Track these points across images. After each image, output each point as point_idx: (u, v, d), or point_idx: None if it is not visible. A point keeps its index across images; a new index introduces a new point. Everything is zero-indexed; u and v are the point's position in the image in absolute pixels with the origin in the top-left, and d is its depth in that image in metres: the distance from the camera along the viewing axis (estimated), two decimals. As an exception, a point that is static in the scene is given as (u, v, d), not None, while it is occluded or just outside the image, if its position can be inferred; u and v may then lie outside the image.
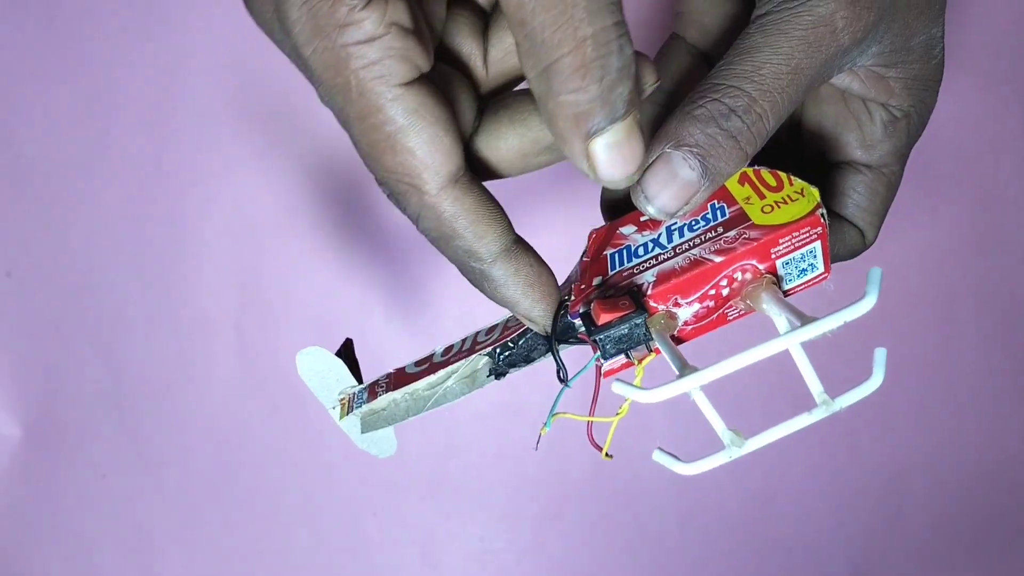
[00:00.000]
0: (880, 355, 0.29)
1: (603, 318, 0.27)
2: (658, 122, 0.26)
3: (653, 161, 0.25)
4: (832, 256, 0.32)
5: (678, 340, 0.30)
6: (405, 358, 0.57)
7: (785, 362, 0.46)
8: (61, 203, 0.55)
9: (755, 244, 0.27)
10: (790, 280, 0.29)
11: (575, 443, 0.58)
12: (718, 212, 0.28)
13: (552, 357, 0.30)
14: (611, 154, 0.22)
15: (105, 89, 0.54)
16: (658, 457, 0.30)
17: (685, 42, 0.33)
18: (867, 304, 0.26)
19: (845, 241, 0.33)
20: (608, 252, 0.30)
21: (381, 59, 0.21)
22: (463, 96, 0.25)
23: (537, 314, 0.27)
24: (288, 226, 0.55)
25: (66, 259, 0.55)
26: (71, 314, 0.55)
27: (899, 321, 0.58)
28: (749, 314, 0.29)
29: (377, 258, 0.56)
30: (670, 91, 0.33)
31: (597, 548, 0.58)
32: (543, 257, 0.27)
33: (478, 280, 0.26)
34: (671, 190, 0.25)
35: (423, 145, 0.22)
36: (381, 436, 0.35)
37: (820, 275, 0.29)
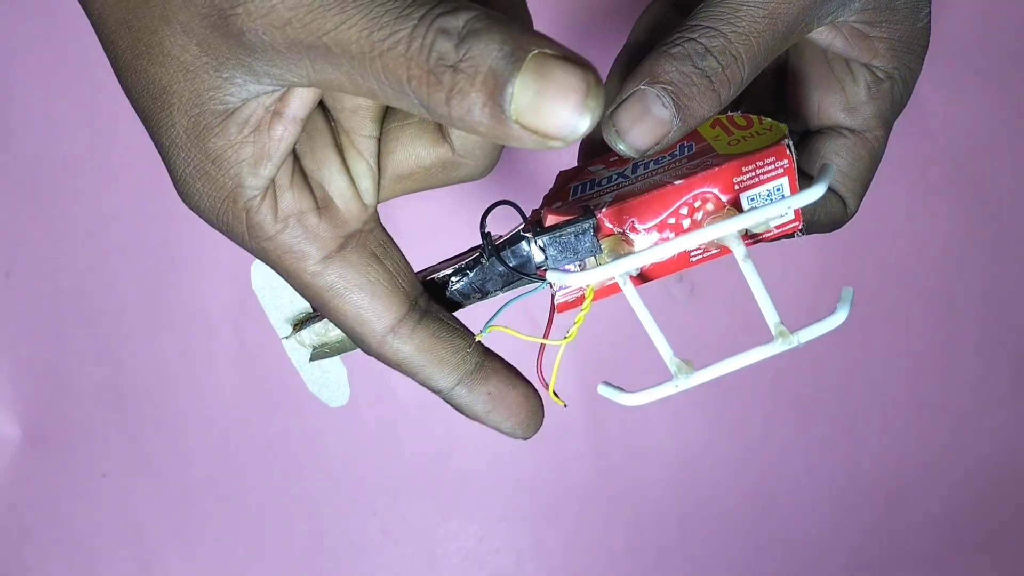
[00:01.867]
0: (847, 293, 0.27)
1: (550, 220, 0.26)
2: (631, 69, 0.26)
3: (627, 97, 0.25)
4: (812, 224, 0.31)
5: (643, 278, 0.28)
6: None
7: (785, 362, 0.46)
8: (61, 203, 0.55)
9: (716, 170, 0.25)
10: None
11: (575, 443, 0.59)
12: (685, 148, 0.28)
13: (504, 287, 0.29)
14: (542, 110, 0.19)
15: (105, 89, 0.54)
16: (603, 391, 0.28)
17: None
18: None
19: (826, 208, 0.32)
20: (572, 185, 0.29)
21: (290, 248, 0.23)
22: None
23: (508, 428, 0.27)
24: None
25: (66, 259, 0.55)
26: (71, 314, 0.55)
27: (898, 320, 0.58)
28: (713, 258, 0.28)
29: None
30: (644, 42, 0.32)
31: (597, 548, 0.58)
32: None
33: (450, 403, 0.27)
34: (643, 126, 0.25)
35: (351, 311, 0.24)
36: (333, 380, 0.33)
37: (790, 223, 0.27)
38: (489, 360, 0.27)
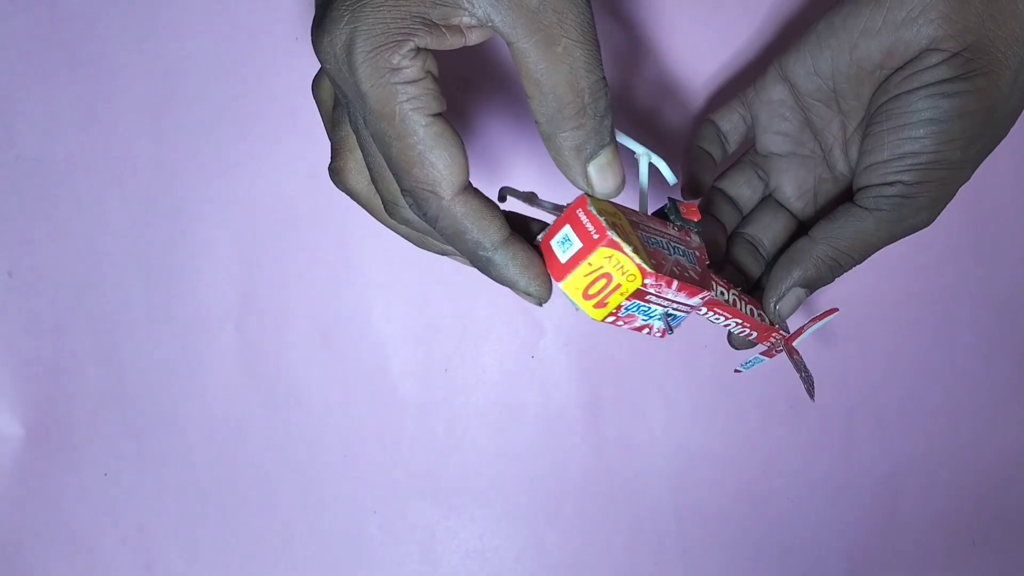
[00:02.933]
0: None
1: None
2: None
3: (787, 292, 0.42)
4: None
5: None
6: (405, 358, 0.57)
7: (785, 361, 0.46)
8: (62, 203, 0.55)
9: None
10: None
11: (575, 441, 0.59)
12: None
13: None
14: (603, 173, 0.31)
15: (105, 89, 0.54)
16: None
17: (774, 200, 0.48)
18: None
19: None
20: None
21: (419, 95, 0.29)
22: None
23: (534, 289, 0.33)
24: (288, 226, 0.55)
25: (67, 259, 0.55)
26: (72, 314, 0.56)
27: (895, 321, 0.59)
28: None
29: (377, 258, 0.56)
30: (702, 156, 0.46)
31: (596, 546, 0.59)
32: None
33: (485, 266, 0.32)
34: (792, 310, 0.42)
35: (443, 161, 0.30)
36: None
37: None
38: (517, 235, 0.33)
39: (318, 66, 0.33)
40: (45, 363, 0.56)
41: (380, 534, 0.58)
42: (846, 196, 0.43)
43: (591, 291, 0.32)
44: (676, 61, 0.55)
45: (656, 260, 0.33)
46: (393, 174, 0.30)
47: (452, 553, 0.58)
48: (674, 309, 0.35)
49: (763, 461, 0.59)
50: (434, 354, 0.57)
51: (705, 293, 0.35)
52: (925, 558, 0.60)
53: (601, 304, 0.33)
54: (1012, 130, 0.58)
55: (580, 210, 0.32)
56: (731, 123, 0.46)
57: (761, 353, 0.45)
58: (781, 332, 0.44)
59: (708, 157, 0.45)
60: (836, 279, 0.42)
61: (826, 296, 0.58)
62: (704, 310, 0.39)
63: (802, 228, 0.46)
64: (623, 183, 0.32)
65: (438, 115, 0.29)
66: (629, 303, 0.33)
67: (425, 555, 0.58)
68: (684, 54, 0.55)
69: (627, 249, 0.31)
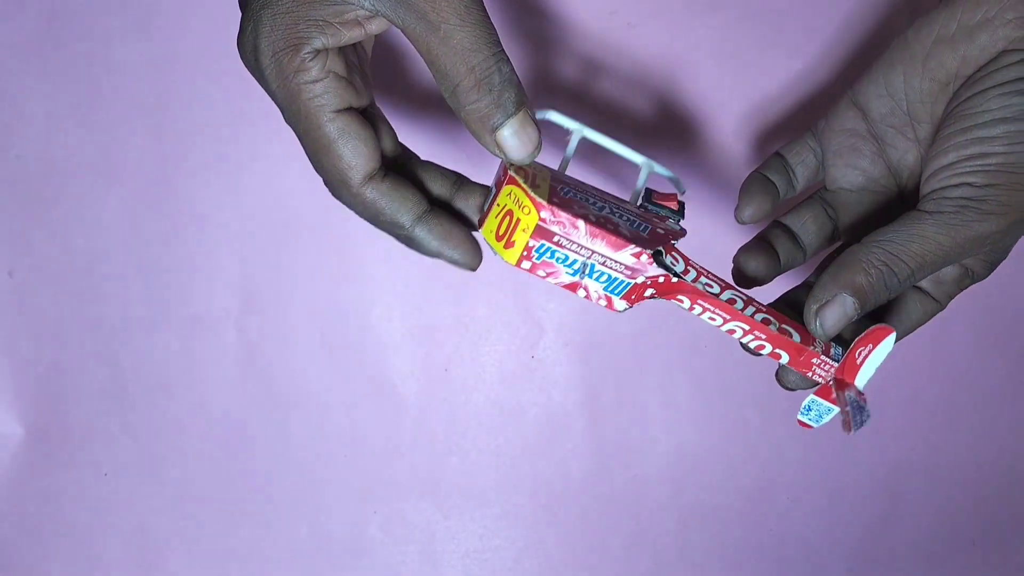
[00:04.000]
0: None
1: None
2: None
3: (831, 300, 0.36)
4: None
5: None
6: (405, 358, 0.57)
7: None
8: (62, 203, 0.55)
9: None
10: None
11: (574, 441, 0.59)
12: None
13: None
14: (512, 140, 0.32)
15: (105, 89, 0.54)
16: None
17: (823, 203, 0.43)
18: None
19: (859, 325, 0.40)
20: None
21: (322, 93, 0.31)
22: (383, 127, 0.36)
23: (458, 256, 0.35)
24: (288, 226, 0.55)
25: (67, 259, 0.55)
26: (73, 313, 0.56)
27: (897, 320, 0.59)
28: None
29: (377, 258, 0.56)
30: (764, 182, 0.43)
31: (596, 546, 0.59)
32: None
33: (407, 243, 0.35)
34: (838, 322, 0.36)
35: (348, 153, 0.32)
36: None
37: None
38: (437, 208, 0.35)
39: None
40: (45, 362, 0.56)
41: (380, 534, 0.58)
42: None
43: (500, 231, 0.34)
44: (727, 86, 0.54)
45: (566, 205, 0.33)
46: (310, 163, 0.34)
47: (452, 553, 0.58)
48: (601, 265, 0.33)
49: (763, 461, 0.59)
50: (434, 354, 0.57)
51: (637, 249, 0.33)
52: (925, 558, 0.60)
53: (509, 244, 0.33)
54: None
55: (505, 168, 0.34)
56: (799, 156, 0.42)
57: (816, 393, 0.39)
58: (822, 355, 0.37)
59: (770, 184, 0.42)
60: (891, 296, 0.36)
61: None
62: (688, 302, 0.36)
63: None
64: (535, 149, 0.32)
65: (344, 110, 0.32)
66: (537, 243, 0.33)
67: (425, 555, 0.58)
68: (738, 80, 0.53)
69: (524, 184, 0.32)
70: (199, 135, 0.55)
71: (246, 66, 0.33)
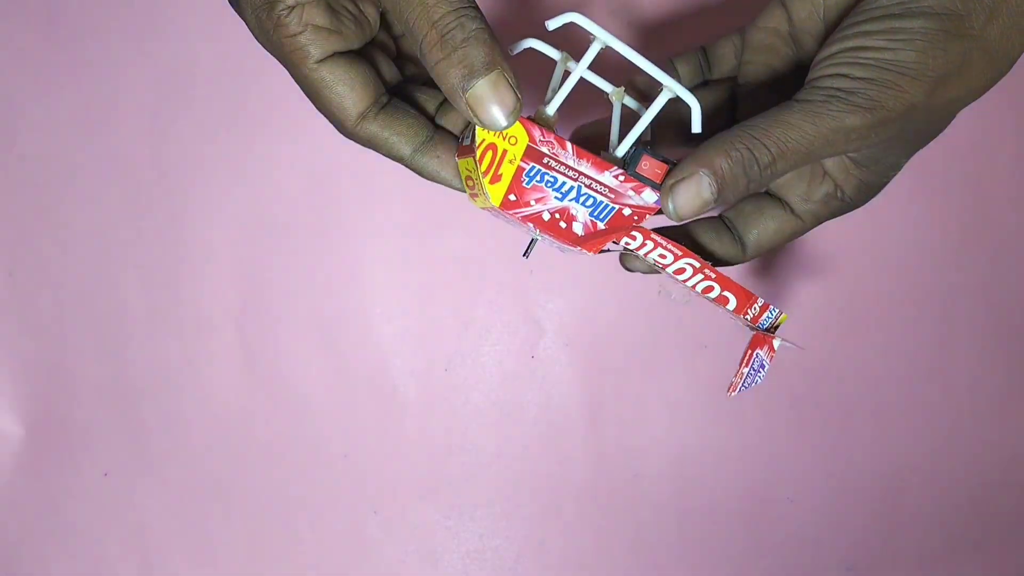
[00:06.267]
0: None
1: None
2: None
3: (687, 176, 0.34)
4: (708, 255, 0.39)
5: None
6: (406, 359, 0.57)
7: (783, 361, 0.46)
8: (63, 203, 0.55)
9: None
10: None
11: (575, 441, 0.59)
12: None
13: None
14: (483, 103, 0.31)
15: (106, 90, 0.54)
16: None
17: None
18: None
19: (723, 243, 0.40)
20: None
21: (303, 45, 0.32)
22: (382, 59, 0.36)
23: (457, 183, 0.36)
24: (288, 226, 0.56)
25: (68, 259, 0.55)
26: (73, 314, 0.56)
27: (895, 319, 0.59)
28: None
29: (377, 258, 0.56)
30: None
31: (596, 546, 0.59)
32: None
33: (412, 169, 0.36)
34: (691, 203, 0.34)
35: (336, 96, 0.33)
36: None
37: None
38: (439, 134, 0.36)
39: None
40: (46, 363, 0.56)
41: (380, 534, 0.58)
42: None
43: (484, 167, 0.33)
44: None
45: (520, 197, 0.33)
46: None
47: (452, 553, 0.58)
48: (588, 188, 0.34)
49: (763, 461, 0.59)
50: (434, 354, 0.57)
51: (618, 171, 0.33)
52: (925, 558, 0.60)
53: (496, 178, 0.33)
54: (1012, 130, 0.58)
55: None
56: (719, 50, 0.42)
57: (747, 356, 0.39)
58: (760, 314, 0.38)
59: (672, 69, 0.42)
60: (752, 187, 0.34)
61: (823, 295, 0.58)
62: (641, 238, 0.36)
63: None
64: (511, 114, 0.31)
65: (327, 58, 0.33)
66: (527, 165, 0.33)
67: (425, 555, 0.58)
68: None
69: (481, 176, 0.32)
70: (199, 135, 0.55)
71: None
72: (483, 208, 0.36)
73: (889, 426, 0.59)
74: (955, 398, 0.59)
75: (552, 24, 0.34)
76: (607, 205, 0.34)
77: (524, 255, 0.38)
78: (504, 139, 0.32)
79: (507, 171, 0.33)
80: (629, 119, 0.37)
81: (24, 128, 0.54)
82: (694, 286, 0.37)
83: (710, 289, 0.37)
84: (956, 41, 0.32)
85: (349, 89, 0.33)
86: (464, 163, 0.34)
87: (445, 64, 0.31)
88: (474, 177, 0.34)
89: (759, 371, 0.38)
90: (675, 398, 0.58)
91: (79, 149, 0.55)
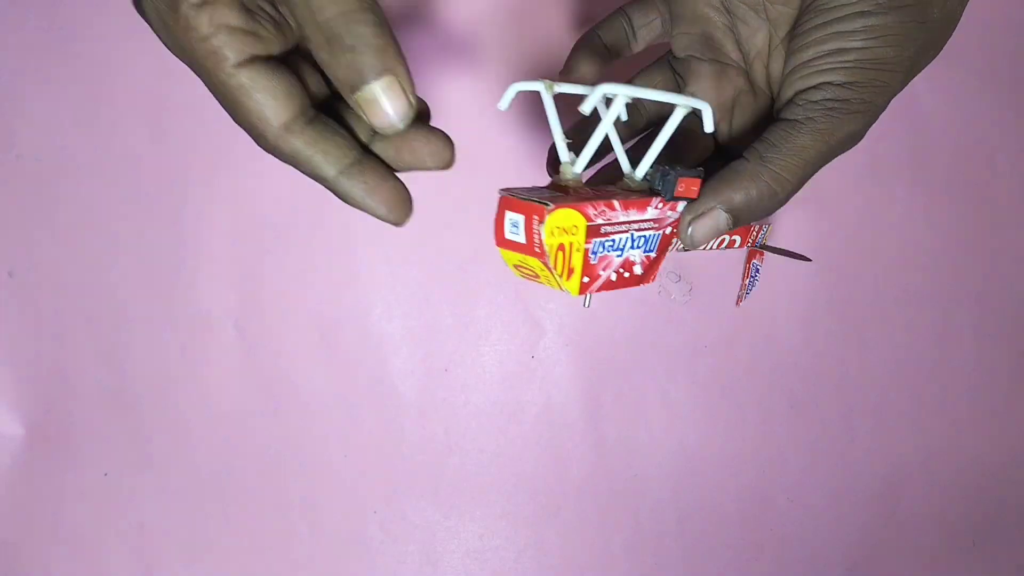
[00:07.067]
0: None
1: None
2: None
3: (706, 212, 0.35)
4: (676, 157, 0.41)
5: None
6: (405, 358, 0.57)
7: (784, 361, 0.46)
8: (63, 203, 0.55)
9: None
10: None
11: (574, 441, 0.59)
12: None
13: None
14: (373, 107, 0.30)
15: (106, 89, 0.54)
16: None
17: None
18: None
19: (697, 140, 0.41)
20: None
21: (216, 49, 0.29)
22: (308, 70, 0.33)
23: (382, 213, 0.33)
24: (288, 226, 0.56)
25: (68, 259, 0.55)
26: (73, 314, 0.56)
27: (895, 320, 0.59)
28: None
29: (377, 258, 0.56)
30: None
31: (596, 546, 0.59)
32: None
33: (336, 193, 0.33)
34: (708, 235, 0.35)
35: (256, 104, 0.30)
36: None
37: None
38: (367, 158, 0.33)
39: None
40: (46, 363, 0.56)
41: (380, 534, 0.58)
42: (765, 113, 0.40)
43: (559, 268, 0.33)
44: None
45: (592, 275, 0.33)
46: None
47: (452, 553, 0.58)
48: (637, 231, 0.34)
49: (763, 461, 0.59)
50: (434, 354, 0.57)
51: (658, 201, 0.34)
52: (925, 558, 0.60)
53: (570, 272, 0.33)
54: (1009, 130, 0.58)
55: (540, 225, 0.32)
56: (646, 19, 0.42)
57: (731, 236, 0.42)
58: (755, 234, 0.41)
59: (600, 46, 0.41)
60: (769, 213, 0.36)
61: (824, 296, 0.58)
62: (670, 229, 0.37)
63: (717, 145, 0.42)
64: (400, 119, 0.30)
65: (245, 62, 0.30)
66: (591, 244, 0.33)
67: (425, 555, 0.58)
68: None
69: (566, 203, 0.32)
70: (199, 135, 0.55)
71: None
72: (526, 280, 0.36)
73: (889, 426, 0.59)
74: (955, 398, 0.59)
75: (504, 103, 0.34)
76: (654, 236, 0.35)
77: (585, 305, 0.37)
78: (568, 234, 0.32)
79: (576, 261, 0.33)
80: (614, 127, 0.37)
81: (24, 128, 0.54)
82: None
83: (722, 242, 0.41)
84: (922, 28, 0.34)
85: (270, 97, 0.30)
86: (512, 256, 0.34)
87: (334, 68, 0.29)
88: (535, 270, 0.34)
89: (755, 276, 0.44)
90: (675, 398, 0.58)
91: (79, 148, 0.55)
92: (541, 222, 0.32)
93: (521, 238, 0.33)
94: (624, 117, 0.39)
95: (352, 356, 0.57)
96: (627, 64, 0.43)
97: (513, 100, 0.35)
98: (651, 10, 0.42)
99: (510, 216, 0.33)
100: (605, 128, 0.34)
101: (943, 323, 0.59)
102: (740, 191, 0.35)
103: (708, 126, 0.35)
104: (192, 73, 0.56)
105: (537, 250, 0.33)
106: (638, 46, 0.42)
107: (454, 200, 0.55)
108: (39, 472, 0.57)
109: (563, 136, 0.34)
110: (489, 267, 0.57)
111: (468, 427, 0.58)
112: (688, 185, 0.35)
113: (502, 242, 0.34)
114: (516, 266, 0.34)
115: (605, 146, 0.37)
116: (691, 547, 0.59)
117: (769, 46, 0.39)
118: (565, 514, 0.58)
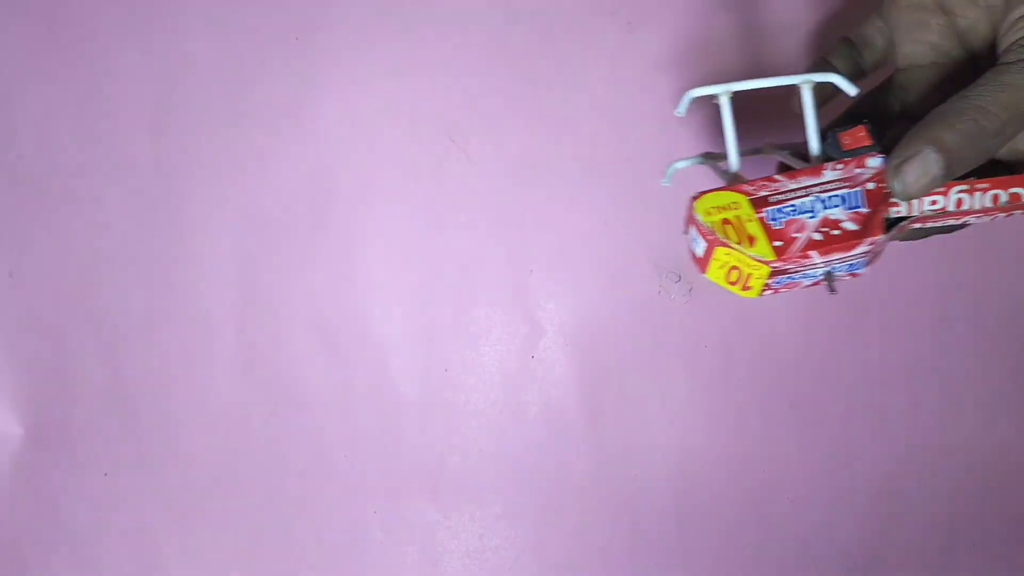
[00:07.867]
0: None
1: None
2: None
3: (914, 156, 0.33)
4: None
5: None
6: (405, 358, 0.57)
7: (784, 361, 0.46)
8: (62, 203, 0.55)
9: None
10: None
11: (575, 441, 0.59)
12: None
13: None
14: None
15: (106, 90, 0.54)
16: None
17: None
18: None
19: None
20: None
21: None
22: None
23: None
24: (288, 226, 0.56)
25: (67, 259, 0.55)
26: (73, 313, 0.56)
27: (895, 320, 0.59)
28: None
29: (377, 258, 0.56)
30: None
31: (596, 547, 0.59)
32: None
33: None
34: (920, 181, 0.33)
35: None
36: None
37: None
38: None
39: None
40: (45, 362, 0.56)
41: (380, 534, 0.58)
42: None
43: (731, 279, 0.33)
44: None
45: (784, 238, 0.33)
46: None
47: (452, 553, 0.58)
48: (824, 192, 0.34)
49: (763, 461, 0.59)
50: (434, 354, 0.57)
51: (869, 239, 0.33)
52: (925, 558, 0.60)
53: (746, 287, 0.34)
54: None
55: (692, 211, 0.33)
56: (866, 39, 0.41)
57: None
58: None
59: (828, 65, 0.42)
60: (981, 159, 0.33)
61: (824, 295, 0.58)
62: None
63: None
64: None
65: None
66: (764, 212, 0.33)
67: (425, 555, 0.58)
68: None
69: (737, 247, 0.32)
70: (200, 135, 0.55)
71: None
72: (762, 290, 0.35)
73: (889, 426, 0.59)
74: (955, 398, 0.59)
75: (681, 109, 0.36)
76: (852, 193, 0.34)
77: (832, 292, 0.37)
78: (746, 266, 0.32)
79: (753, 229, 0.33)
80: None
81: (24, 128, 0.54)
82: (982, 210, 0.36)
83: (996, 198, 0.35)
84: None
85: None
86: (718, 273, 0.34)
87: None
88: (730, 263, 0.34)
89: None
90: (675, 398, 0.58)
91: (77, 148, 0.55)
92: (694, 211, 0.33)
93: (700, 244, 0.34)
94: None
95: (352, 356, 0.57)
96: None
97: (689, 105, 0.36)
98: (871, 29, 0.41)
99: (690, 233, 0.34)
100: (730, 132, 0.35)
101: (943, 323, 0.59)
102: (945, 129, 0.32)
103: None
104: (191, 73, 0.56)
105: (709, 237, 0.33)
106: (868, 67, 0.42)
107: (454, 200, 0.55)
108: (38, 472, 0.57)
109: (816, 128, 0.36)
110: (489, 267, 0.57)
111: (468, 427, 0.58)
112: (854, 136, 0.35)
113: (703, 265, 0.34)
114: (729, 282, 0.34)
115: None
116: (691, 546, 0.59)
117: (996, 33, 0.37)
118: (565, 514, 0.58)
